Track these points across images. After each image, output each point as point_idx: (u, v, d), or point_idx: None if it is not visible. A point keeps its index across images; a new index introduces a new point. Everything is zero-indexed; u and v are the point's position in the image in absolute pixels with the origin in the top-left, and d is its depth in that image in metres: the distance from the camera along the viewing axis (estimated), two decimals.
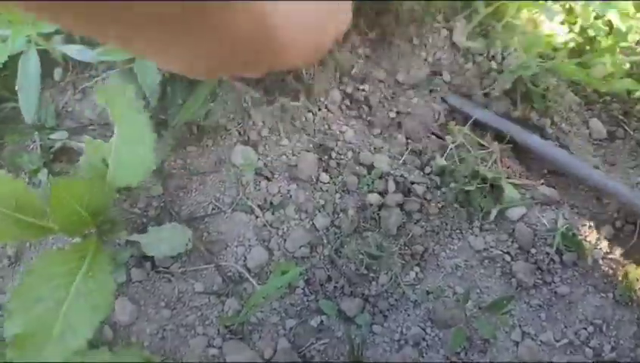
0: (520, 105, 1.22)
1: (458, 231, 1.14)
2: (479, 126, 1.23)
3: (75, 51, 1.12)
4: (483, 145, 1.19)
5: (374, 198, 1.15)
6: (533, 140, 1.18)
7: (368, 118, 1.26)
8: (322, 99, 1.23)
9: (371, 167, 1.18)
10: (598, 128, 1.26)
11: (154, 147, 0.99)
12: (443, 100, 1.25)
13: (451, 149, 1.19)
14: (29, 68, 1.13)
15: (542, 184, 1.19)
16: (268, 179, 1.17)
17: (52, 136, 1.15)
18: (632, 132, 1.25)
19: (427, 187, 1.14)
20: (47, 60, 1.22)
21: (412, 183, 1.15)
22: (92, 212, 1.01)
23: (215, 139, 1.19)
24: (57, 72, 1.23)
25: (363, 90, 1.26)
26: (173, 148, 1.19)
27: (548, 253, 1.10)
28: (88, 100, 1.22)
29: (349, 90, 1.26)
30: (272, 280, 1.11)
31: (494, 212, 1.10)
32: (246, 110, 1.19)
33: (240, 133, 1.19)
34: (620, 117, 1.26)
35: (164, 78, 1.14)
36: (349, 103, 1.26)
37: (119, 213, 1.14)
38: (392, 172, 1.16)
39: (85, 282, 0.97)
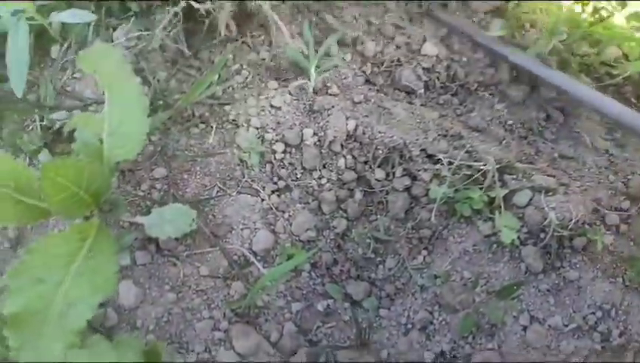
0: None
1: (466, 215, 1.12)
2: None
3: (67, 15, 1.07)
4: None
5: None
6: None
7: None
8: None
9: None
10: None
11: (152, 123, 0.95)
12: None
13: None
14: (18, 42, 1.08)
15: (549, 167, 1.17)
16: (271, 163, 1.15)
17: (52, 116, 1.12)
18: None
19: (434, 174, 1.12)
20: (44, 38, 1.18)
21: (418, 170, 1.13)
22: (92, 193, 0.98)
23: (220, 121, 1.16)
24: (55, 50, 1.19)
25: None
26: (178, 130, 1.16)
27: (557, 238, 1.09)
28: (88, 79, 1.19)
29: None
30: (278, 264, 1.10)
31: (500, 197, 1.08)
32: (250, 92, 1.17)
33: (244, 115, 1.16)
34: (633, 100, 1.24)
35: (166, 57, 1.11)
36: None
37: (122, 195, 1.11)
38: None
39: (87, 263, 0.95)
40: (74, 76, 1.19)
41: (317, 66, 1.18)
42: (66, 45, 1.18)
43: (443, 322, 1.10)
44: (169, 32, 1.13)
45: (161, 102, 1.14)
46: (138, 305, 1.07)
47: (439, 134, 1.17)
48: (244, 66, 1.19)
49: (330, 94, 1.19)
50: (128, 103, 0.95)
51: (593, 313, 1.07)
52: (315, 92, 1.19)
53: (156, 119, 1.11)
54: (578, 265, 1.09)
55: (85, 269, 0.95)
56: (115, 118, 0.96)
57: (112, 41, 1.16)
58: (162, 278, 1.09)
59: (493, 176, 1.09)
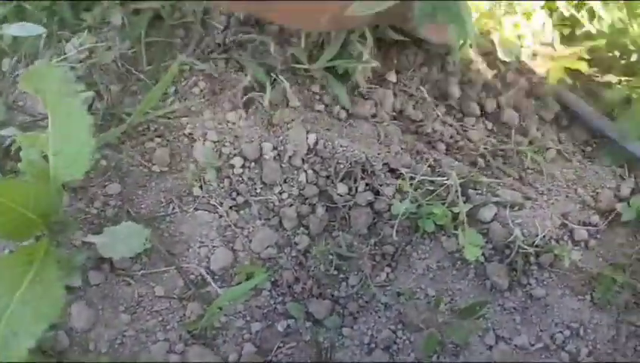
0: None
1: (429, 231, 1.09)
2: None
3: (16, 28, 1.04)
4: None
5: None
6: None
7: None
8: None
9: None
10: None
11: (97, 136, 0.92)
12: None
13: None
14: None
15: (516, 181, 1.14)
16: (229, 178, 1.11)
17: (2, 132, 1.08)
18: None
19: (396, 189, 1.08)
20: None
21: (380, 185, 1.09)
22: (40, 214, 0.95)
23: (176, 135, 1.13)
24: (6, 63, 1.15)
25: None
26: (132, 145, 1.12)
27: (523, 254, 1.05)
28: None
29: None
30: (237, 283, 1.07)
31: (463, 212, 1.05)
32: (206, 105, 1.13)
33: (200, 129, 1.12)
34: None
35: (121, 71, 1.08)
36: None
37: (74, 213, 1.08)
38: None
39: (32, 288, 0.91)
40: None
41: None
42: (17, 58, 1.14)
43: (407, 341, 1.06)
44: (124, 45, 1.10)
45: (114, 116, 1.11)
46: (90, 327, 1.04)
47: (401, 148, 1.13)
48: (200, 78, 1.15)
49: (290, 107, 1.15)
50: (72, 123, 0.93)
51: (561, 332, 1.04)
52: (276, 104, 1.15)
53: (109, 134, 1.08)
54: (545, 282, 1.06)
55: (29, 296, 0.91)
56: (59, 138, 0.93)
57: (64, 54, 1.12)
58: (116, 299, 1.06)
59: (456, 191, 1.05)
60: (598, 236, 1.09)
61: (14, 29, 1.06)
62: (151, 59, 1.18)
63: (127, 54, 1.16)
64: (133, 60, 1.16)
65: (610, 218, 1.10)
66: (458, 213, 1.06)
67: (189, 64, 1.12)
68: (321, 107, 1.17)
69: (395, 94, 1.20)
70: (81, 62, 1.11)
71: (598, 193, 1.13)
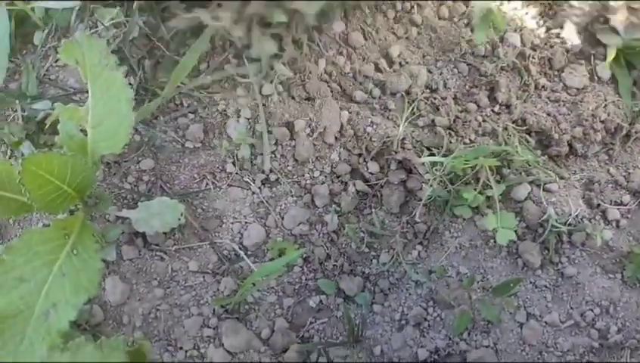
0: None
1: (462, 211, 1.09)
2: None
3: (49, 0, 1.03)
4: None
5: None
6: None
7: None
8: None
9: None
10: None
11: (139, 115, 0.92)
12: None
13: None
14: None
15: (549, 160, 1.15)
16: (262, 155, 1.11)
17: (35, 106, 1.08)
18: None
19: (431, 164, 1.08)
20: (26, 24, 1.13)
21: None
22: (76, 187, 0.95)
23: (209, 112, 1.12)
24: (38, 36, 1.14)
25: None
26: (165, 120, 1.12)
27: (556, 233, 1.06)
28: (72, 67, 1.14)
29: None
30: (270, 259, 1.07)
31: (499, 191, 1.05)
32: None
33: (233, 105, 1.12)
34: None
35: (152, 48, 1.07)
36: None
37: (108, 188, 1.08)
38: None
39: (70, 260, 0.92)
40: (57, 63, 1.15)
41: None
42: (48, 31, 1.13)
43: (438, 318, 1.07)
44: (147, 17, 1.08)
45: (148, 91, 1.10)
46: (124, 301, 1.04)
47: (435, 127, 1.13)
48: (233, 54, 1.14)
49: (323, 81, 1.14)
50: (112, 96, 0.92)
51: (591, 310, 1.05)
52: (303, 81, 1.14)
53: (144, 110, 1.07)
54: (576, 261, 1.07)
55: (68, 268, 0.92)
56: (99, 111, 0.93)
57: (96, 27, 1.11)
58: (149, 274, 1.06)
59: (490, 172, 1.06)
60: (629, 215, 1.09)
61: (47, 2, 1.05)
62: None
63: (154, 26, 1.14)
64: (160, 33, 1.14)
65: None
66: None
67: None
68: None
69: (429, 71, 1.19)
70: (114, 36, 1.09)
71: (630, 173, 1.13)
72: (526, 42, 1.22)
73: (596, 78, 1.21)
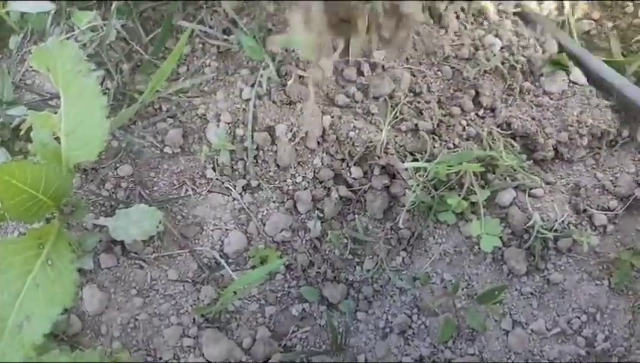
0: None
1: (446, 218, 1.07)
2: None
3: (24, 4, 1.00)
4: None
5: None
6: None
7: None
8: None
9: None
10: None
11: (110, 117, 0.90)
12: None
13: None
14: None
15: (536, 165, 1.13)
16: (243, 160, 1.09)
17: (10, 112, 1.06)
18: None
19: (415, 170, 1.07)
20: (1, 28, 1.11)
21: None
22: (51, 196, 0.93)
23: (188, 116, 1.10)
24: (13, 41, 1.12)
25: None
26: (144, 125, 1.10)
27: (541, 239, 1.04)
28: None
29: None
30: (251, 267, 1.05)
31: (483, 196, 1.03)
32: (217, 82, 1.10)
33: (213, 110, 1.10)
34: None
35: (132, 48, 1.05)
36: None
37: (85, 195, 1.06)
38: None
39: (44, 271, 0.90)
40: (34, 68, 1.12)
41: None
42: (24, 35, 1.11)
43: (422, 326, 1.05)
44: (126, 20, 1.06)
45: (125, 96, 1.08)
46: (102, 310, 1.02)
47: (419, 131, 1.11)
48: (213, 58, 1.12)
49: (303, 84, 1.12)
50: (85, 102, 0.90)
51: (577, 317, 1.03)
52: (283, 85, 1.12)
53: (122, 116, 1.05)
54: (563, 267, 1.05)
55: (42, 279, 0.90)
56: (72, 119, 0.91)
57: (72, 31, 1.09)
58: (128, 282, 1.04)
59: (475, 175, 1.04)
60: (617, 221, 1.07)
61: (22, 5, 1.03)
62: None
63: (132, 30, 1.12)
64: (139, 37, 1.12)
65: (628, 203, 1.08)
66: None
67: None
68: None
69: (413, 75, 1.17)
70: (91, 40, 1.07)
71: (617, 177, 1.11)
72: (507, 47, 1.21)
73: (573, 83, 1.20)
